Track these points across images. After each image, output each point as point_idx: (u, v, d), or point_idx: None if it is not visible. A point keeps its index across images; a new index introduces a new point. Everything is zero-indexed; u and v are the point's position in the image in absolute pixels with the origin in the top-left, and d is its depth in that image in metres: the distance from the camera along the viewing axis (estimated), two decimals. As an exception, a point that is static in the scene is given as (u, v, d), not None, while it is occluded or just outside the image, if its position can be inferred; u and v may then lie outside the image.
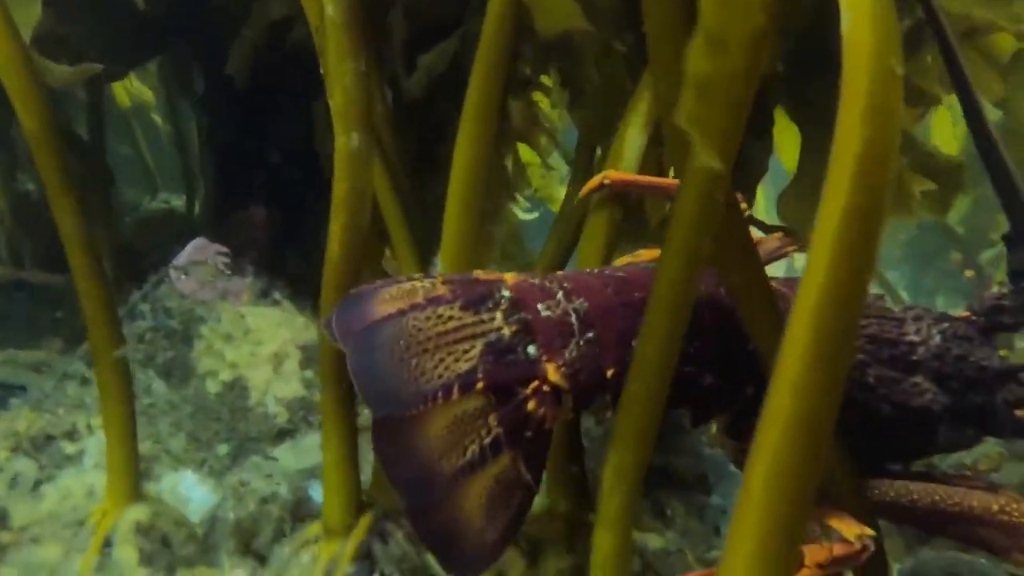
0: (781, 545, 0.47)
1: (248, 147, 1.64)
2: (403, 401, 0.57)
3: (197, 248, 1.50)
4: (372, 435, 0.58)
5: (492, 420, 0.60)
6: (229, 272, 1.54)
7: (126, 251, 1.77)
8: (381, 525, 0.92)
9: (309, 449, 1.25)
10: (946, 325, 0.96)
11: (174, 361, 1.39)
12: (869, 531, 0.78)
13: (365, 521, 0.91)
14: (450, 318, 0.62)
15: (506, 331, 0.62)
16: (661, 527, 1.12)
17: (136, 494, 1.04)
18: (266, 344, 1.38)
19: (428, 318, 0.61)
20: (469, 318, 0.62)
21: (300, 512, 1.03)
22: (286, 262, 1.64)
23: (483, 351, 0.61)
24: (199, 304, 1.43)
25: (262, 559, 1.00)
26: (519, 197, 1.81)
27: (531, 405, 0.61)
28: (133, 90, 2.36)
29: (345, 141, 0.89)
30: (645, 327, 0.62)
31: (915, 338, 0.92)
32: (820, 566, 0.72)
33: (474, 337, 0.61)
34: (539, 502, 0.84)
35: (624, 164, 0.96)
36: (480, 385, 0.60)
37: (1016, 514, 0.91)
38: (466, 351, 0.60)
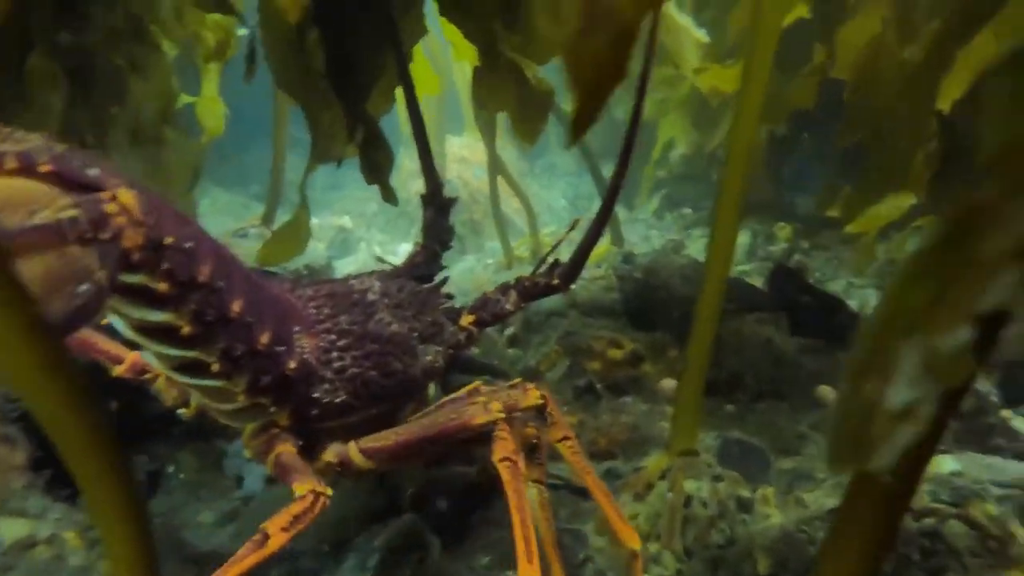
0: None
1: None
2: None
3: None
4: None
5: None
6: None
7: None
8: None
9: None
10: (380, 278, 1.18)
11: None
12: (325, 488, 0.94)
13: None
14: None
15: None
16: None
17: None
18: None
19: None
20: None
21: None
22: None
23: None
24: None
25: None
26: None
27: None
28: None
29: None
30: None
31: (361, 286, 1.12)
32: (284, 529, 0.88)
33: None
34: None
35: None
36: None
37: (501, 430, 0.98)
38: None
